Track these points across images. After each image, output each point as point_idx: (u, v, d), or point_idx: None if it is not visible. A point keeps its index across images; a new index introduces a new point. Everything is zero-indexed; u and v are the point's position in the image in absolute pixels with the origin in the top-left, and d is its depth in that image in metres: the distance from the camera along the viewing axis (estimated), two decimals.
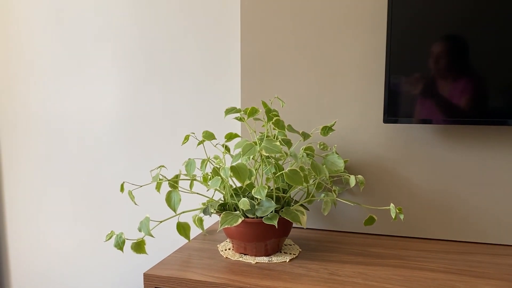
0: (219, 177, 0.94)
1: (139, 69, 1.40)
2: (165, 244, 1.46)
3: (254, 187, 0.97)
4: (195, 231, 1.37)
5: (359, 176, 1.07)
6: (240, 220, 0.90)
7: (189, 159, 1.00)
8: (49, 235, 1.61)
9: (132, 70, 1.41)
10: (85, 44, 1.45)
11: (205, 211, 0.98)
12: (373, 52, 1.10)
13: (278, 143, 0.90)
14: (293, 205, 0.98)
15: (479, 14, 0.93)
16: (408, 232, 1.14)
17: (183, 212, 0.98)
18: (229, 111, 0.99)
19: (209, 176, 1.04)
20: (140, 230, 0.93)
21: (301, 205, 1.01)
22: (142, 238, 0.94)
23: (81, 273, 1.60)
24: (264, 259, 0.96)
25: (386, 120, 1.02)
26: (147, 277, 0.90)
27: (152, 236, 0.93)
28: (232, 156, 1.06)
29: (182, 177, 1.21)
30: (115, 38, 1.41)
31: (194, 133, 1.03)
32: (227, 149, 1.08)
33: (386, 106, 1.01)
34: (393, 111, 1.01)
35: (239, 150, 1.04)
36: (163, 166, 1.02)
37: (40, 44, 1.50)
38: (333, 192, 1.10)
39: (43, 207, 1.60)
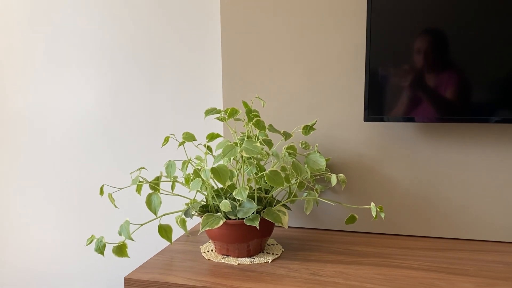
0: (200, 178, 0.93)
1: (119, 70, 1.38)
2: (149, 246, 1.45)
3: (236, 188, 0.97)
4: (179, 232, 1.36)
5: (341, 174, 1.07)
6: (221, 222, 0.89)
7: (169, 161, 1.00)
8: (30, 239, 1.59)
9: (113, 70, 1.38)
10: (65, 45, 1.42)
11: (186, 213, 0.97)
12: (354, 51, 1.10)
13: (258, 144, 0.90)
14: (275, 205, 0.98)
15: (461, 9, 0.93)
16: (390, 229, 1.14)
17: (164, 215, 0.97)
18: (209, 112, 0.98)
19: (190, 177, 1.04)
20: (120, 234, 0.92)
21: (283, 205, 1.01)
22: (123, 242, 0.93)
23: (64, 277, 1.58)
24: (246, 260, 0.96)
25: (366, 119, 1.02)
26: (128, 281, 0.89)
27: (133, 240, 0.92)
28: (214, 156, 1.06)
29: (163, 179, 1.20)
30: (95, 39, 1.39)
31: (174, 135, 1.02)
32: (209, 149, 1.07)
33: (367, 104, 1.01)
34: (374, 109, 1.01)
35: (220, 150, 1.03)
36: (143, 168, 1.01)
37: (20, 44, 1.47)
38: (315, 191, 1.10)
39: (24, 210, 1.58)
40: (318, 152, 1.04)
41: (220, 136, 1.06)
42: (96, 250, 0.93)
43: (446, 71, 0.96)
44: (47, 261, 1.59)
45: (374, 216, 0.91)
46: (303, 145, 1.13)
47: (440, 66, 0.96)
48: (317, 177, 1.16)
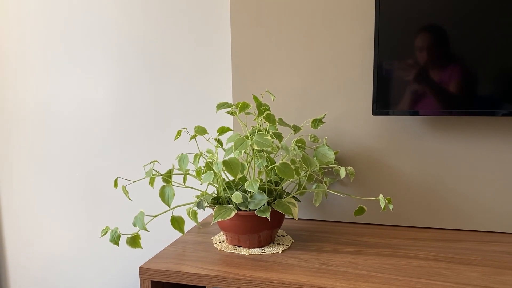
0: (212, 171, 0.95)
1: (131, 65, 1.40)
2: (160, 237, 1.48)
3: (247, 180, 0.98)
4: (189, 224, 1.39)
5: (349, 167, 1.09)
6: (233, 213, 0.91)
7: (181, 154, 1.01)
8: (45, 231, 1.62)
9: (124, 65, 1.41)
10: (76, 40, 1.44)
11: (199, 204, 0.99)
12: (362, 45, 1.12)
13: (269, 137, 0.92)
14: (285, 197, 1.00)
15: (468, 2, 0.94)
16: (397, 221, 1.16)
17: (177, 206, 1.00)
18: (221, 106, 1.00)
19: (202, 170, 1.06)
20: (135, 225, 0.94)
21: (293, 197, 1.03)
22: (137, 233, 0.95)
23: (79, 268, 1.61)
24: (257, 251, 0.98)
25: (374, 112, 1.04)
26: (143, 270, 0.92)
27: (147, 231, 0.94)
28: (224, 149, 1.08)
29: (175, 171, 1.22)
30: (106, 34, 1.41)
31: (186, 128, 1.04)
32: (219, 143, 1.09)
33: (375, 98, 1.03)
34: (382, 103, 1.03)
35: (231, 144, 1.05)
36: (156, 161, 1.03)
37: (31, 40, 1.49)
38: (324, 184, 1.12)
39: (38, 203, 1.61)
40: (326, 145, 1.06)
41: (230, 129, 1.07)
42: (111, 241, 0.95)
43: (452, 65, 0.97)
44: (61, 253, 1.62)
45: (382, 207, 0.93)
46: (312, 138, 1.15)
47: (447, 59, 0.97)
48: (325, 170, 1.18)
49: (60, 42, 1.46)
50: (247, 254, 0.97)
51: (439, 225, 1.14)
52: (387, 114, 1.03)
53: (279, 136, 1.02)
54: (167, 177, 1.01)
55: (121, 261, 1.55)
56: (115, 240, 0.96)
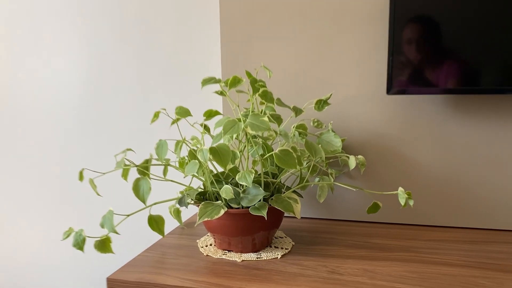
0: (197, 160, 0.80)
1: (103, 39, 1.24)
2: (139, 241, 1.34)
3: (239, 172, 0.84)
4: (172, 224, 1.24)
5: (360, 156, 0.95)
6: (222, 212, 0.78)
7: (159, 140, 0.87)
8: (9, 232, 1.47)
9: (95, 39, 1.25)
10: (42, 16, 1.28)
11: (181, 201, 0.85)
12: (374, 14, 0.98)
13: (266, 119, 0.76)
14: (284, 192, 0.86)
15: None
16: (416, 219, 1.03)
17: (155, 204, 0.84)
18: (207, 81, 0.84)
19: (185, 161, 0.91)
20: (102, 226, 0.80)
21: (294, 191, 0.90)
22: (106, 235, 0.80)
23: (45, 275, 1.46)
24: (251, 256, 0.85)
25: (390, 91, 0.90)
26: (111, 282, 0.77)
27: (117, 233, 0.79)
28: (212, 136, 0.93)
29: (153, 162, 1.07)
30: (75, 6, 1.24)
31: (165, 109, 0.88)
32: (206, 128, 0.94)
33: (390, 74, 0.89)
34: (398, 80, 0.89)
35: (220, 129, 0.90)
36: (130, 149, 0.87)
37: None
38: (329, 176, 0.98)
39: (2, 202, 1.45)
40: (332, 131, 0.93)
41: (219, 113, 0.93)
42: (74, 246, 0.81)
43: (483, 33, 0.83)
44: (28, 256, 1.48)
45: (403, 204, 0.79)
46: (315, 124, 1.00)
47: (476, 28, 0.83)
48: (330, 160, 1.03)
49: (23, 20, 1.30)
50: (239, 260, 0.83)
51: (465, 224, 1.01)
52: (403, 93, 0.90)
53: (277, 119, 0.88)
54: (144, 169, 0.86)
55: (93, 268, 1.40)
56: (79, 244, 0.81)
